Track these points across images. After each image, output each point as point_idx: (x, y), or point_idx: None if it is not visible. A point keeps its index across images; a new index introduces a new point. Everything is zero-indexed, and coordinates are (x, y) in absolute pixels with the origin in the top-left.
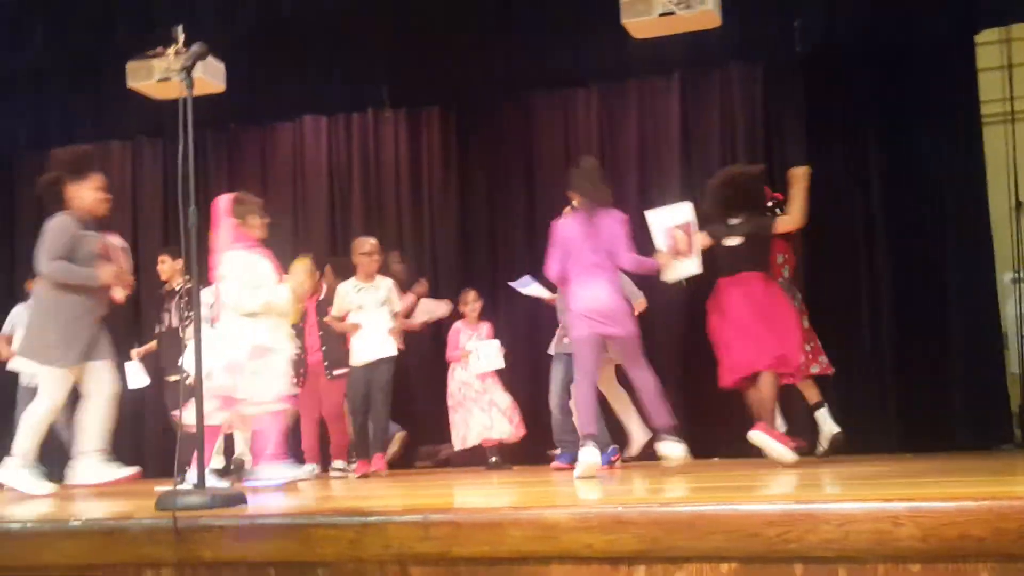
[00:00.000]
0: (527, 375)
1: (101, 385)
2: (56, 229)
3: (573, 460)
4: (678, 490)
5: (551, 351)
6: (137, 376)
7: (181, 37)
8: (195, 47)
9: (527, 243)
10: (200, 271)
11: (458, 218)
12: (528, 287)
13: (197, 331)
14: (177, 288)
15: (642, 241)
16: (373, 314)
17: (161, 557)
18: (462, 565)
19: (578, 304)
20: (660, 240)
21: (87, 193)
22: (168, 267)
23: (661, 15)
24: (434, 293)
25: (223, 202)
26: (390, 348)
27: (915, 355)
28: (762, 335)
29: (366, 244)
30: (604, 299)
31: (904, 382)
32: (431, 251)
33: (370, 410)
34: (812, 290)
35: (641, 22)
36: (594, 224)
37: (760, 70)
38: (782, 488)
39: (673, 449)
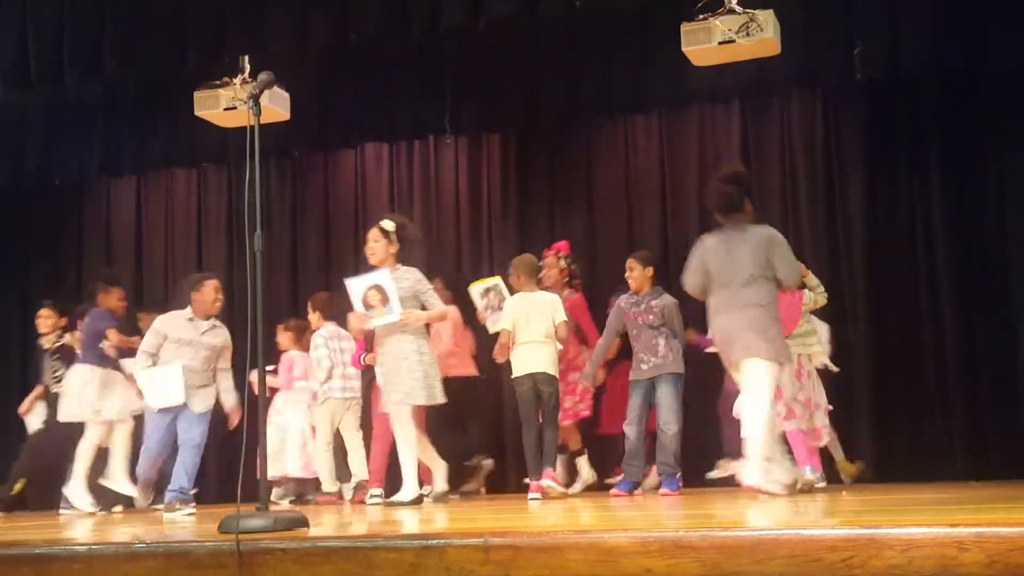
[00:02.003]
0: None
1: None
2: None
3: (632, 488)
4: (739, 514)
5: (632, 376)
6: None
7: (247, 67)
8: (262, 76)
9: (588, 269)
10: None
11: (517, 244)
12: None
13: (255, 349)
14: (49, 346)
15: None
16: (539, 326)
17: None
18: None
19: None
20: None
21: None
22: (51, 322)
23: (721, 43)
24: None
25: None
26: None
27: (980, 380)
28: None
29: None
30: None
31: (969, 408)
32: (489, 274)
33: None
34: (875, 316)
35: (701, 50)
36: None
37: (820, 97)
38: (845, 513)
39: None
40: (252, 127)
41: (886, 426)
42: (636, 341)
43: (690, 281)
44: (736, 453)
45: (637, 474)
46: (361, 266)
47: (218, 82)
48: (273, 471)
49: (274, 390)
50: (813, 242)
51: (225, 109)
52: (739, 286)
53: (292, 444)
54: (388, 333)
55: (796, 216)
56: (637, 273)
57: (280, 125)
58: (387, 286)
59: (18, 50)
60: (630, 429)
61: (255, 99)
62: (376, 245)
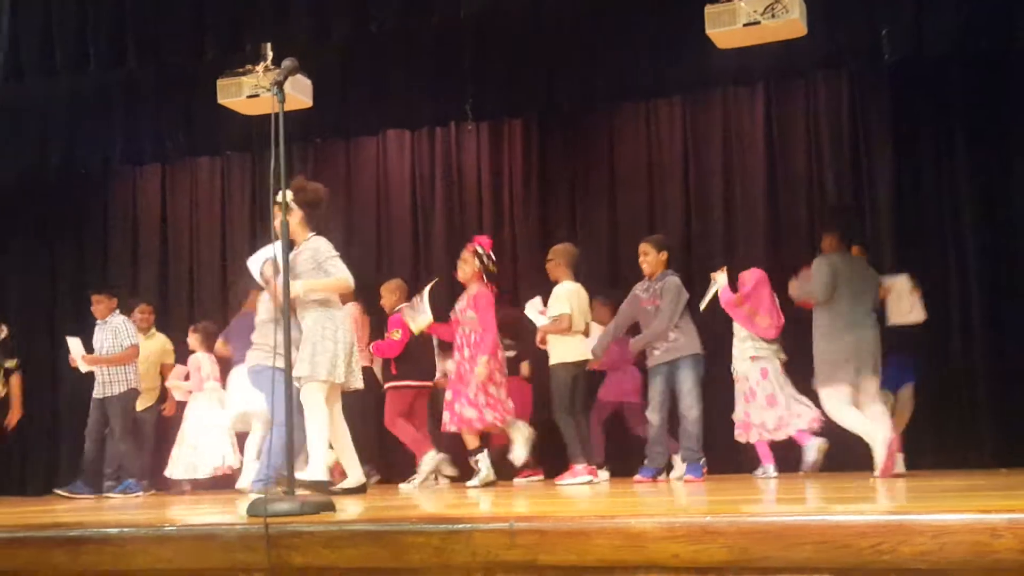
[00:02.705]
0: None
1: None
2: None
3: (655, 474)
4: (768, 500)
5: (649, 364)
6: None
7: (270, 54)
8: (286, 62)
9: (610, 255)
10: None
11: (540, 230)
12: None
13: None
14: None
15: None
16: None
17: (253, 563)
18: (548, 573)
19: None
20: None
21: None
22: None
23: (746, 25)
24: (514, 303)
25: None
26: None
27: (1009, 366)
28: None
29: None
30: None
31: (997, 395)
32: (512, 262)
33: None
34: None
35: (726, 32)
36: None
37: (846, 79)
38: (875, 499)
39: None
40: (276, 114)
41: (914, 414)
42: (647, 328)
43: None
44: None
45: (660, 460)
46: (382, 253)
47: (241, 70)
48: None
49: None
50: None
51: (248, 96)
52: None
53: (207, 444)
54: (299, 307)
55: (823, 199)
56: (651, 258)
57: (302, 112)
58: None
59: (42, 38)
60: (652, 416)
61: (279, 85)
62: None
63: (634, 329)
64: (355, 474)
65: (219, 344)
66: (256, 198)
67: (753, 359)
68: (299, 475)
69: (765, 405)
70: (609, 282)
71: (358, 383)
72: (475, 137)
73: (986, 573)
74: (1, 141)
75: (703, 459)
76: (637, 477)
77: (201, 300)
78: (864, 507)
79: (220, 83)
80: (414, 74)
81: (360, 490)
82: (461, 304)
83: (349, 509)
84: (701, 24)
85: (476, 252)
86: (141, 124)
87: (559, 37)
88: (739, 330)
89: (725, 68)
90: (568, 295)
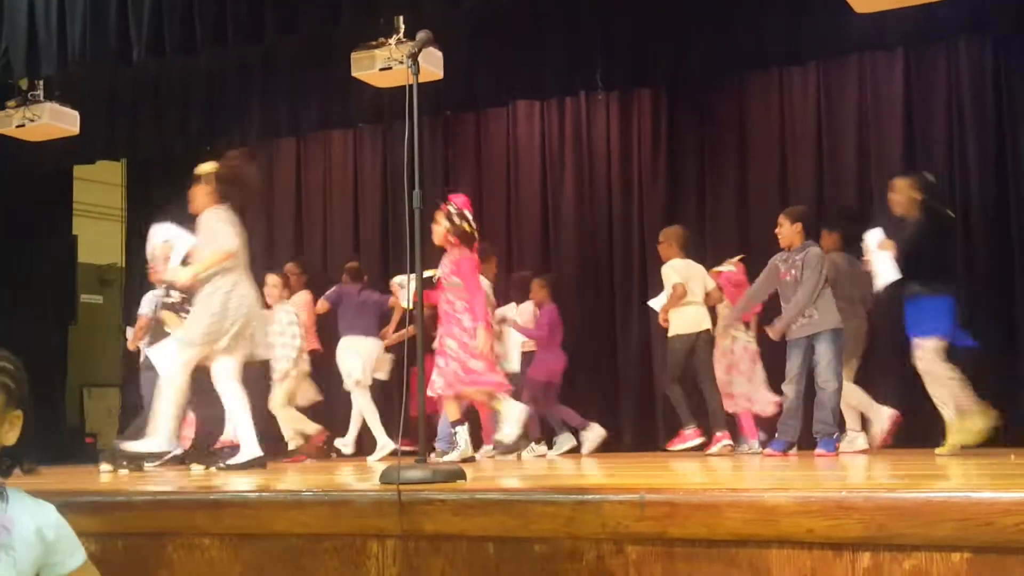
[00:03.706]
0: None
1: None
2: None
3: (787, 448)
4: (905, 476)
5: (788, 337)
6: None
7: (403, 27)
8: (421, 34)
9: (739, 225)
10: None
11: (667, 203)
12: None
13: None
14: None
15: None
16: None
17: (386, 528)
18: (678, 546)
19: None
20: None
21: None
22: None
23: None
24: (642, 274)
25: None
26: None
27: None
28: None
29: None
30: None
31: None
32: (639, 233)
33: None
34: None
35: None
36: None
37: (990, 43)
38: (1019, 477)
39: None
40: (411, 86)
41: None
42: (786, 302)
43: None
44: None
45: (793, 434)
46: (511, 225)
47: (374, 43)
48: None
49: None
50: (981, 195)
51: (381, 69)
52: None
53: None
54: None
55: (963, 168)
56: (785, 229)
57: (432, 84)
58: (173, 238)
59: (183, 13)
60: (789, 388)
61: (414, 58)
62: (194, 191)
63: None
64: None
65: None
66: (387, 171)
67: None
68: (231, 460)
69: (745, 380)
70: (738, 251)
71: (263, 355)
72: (604, 107)
73: None
74: (144, 117)
75: (838, 434)
76: (768, 451)
77: (334, 274)
78: (1007, 484)
79: (354, 56)
80: (543, 44)
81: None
82: (444, 269)
83: (480, 479)
84: None
85: (448, 213)
86: (277, 99)
87: (688, 3)
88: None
89: (862, 33)
90: (675, 269)
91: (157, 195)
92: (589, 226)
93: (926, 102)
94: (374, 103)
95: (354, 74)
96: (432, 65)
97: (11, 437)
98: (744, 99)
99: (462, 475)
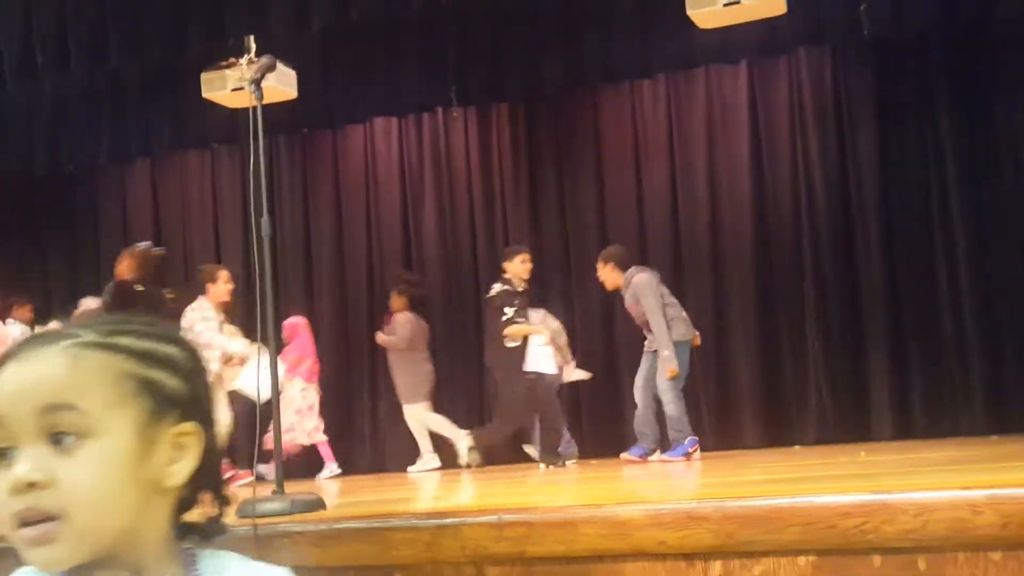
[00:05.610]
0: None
1: None
2: None
3: (645, 454)
4: (752, 483)
5: (647, 347)
6: None
7: (253, 47)
8: (263, 60)
9: (598, 234)
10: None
11: (530, 212)
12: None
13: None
14: None
15: None
16: None
17: None
18: (537, 565)
19: None
20: None
21: None
22: None
23: (726, 5)
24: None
25: None
26: None
27: (999, 332)
28: None
29: None
30: None
31: (988, 361)
32: (504, 244)
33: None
34: (890, 271)
35: (706, 12)
36: None
37: (828, 55)
38: (859, 478)
39: None
40: (254, 109)
41: (905, 382)
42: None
43: None
44: None
45: (649, 442)
46: (372, 241)
47: (224, 63)
48: None
49: None
50: (826, 200)
51: (233, 90)
52: None
53: None
54: None
55: (808, 175)
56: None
57: (288, 103)
58: None
59: (23, 43)
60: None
61: (256, 83)
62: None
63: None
64: None
65: None
66: (246, 191)
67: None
68: None
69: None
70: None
71: None
72: (462, 123)
73: (968, 549)
74: None
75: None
76: (624, 456)
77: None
78: (847, 486)
79: (204, 77)
80: (399, 61)
81: None
82: None
83: (340, 506)
84: (683, 5)
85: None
86: (128, 121)
87: (541, 20)
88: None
89: (707, 47)
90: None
91: (9, 219)
92: (454, 240)
93: (770, 112)
94: (229, 122)
95: (205, 95)
96: (285, 85)
97: (183, 469)
98: (599, 111)
99: (321, 504)
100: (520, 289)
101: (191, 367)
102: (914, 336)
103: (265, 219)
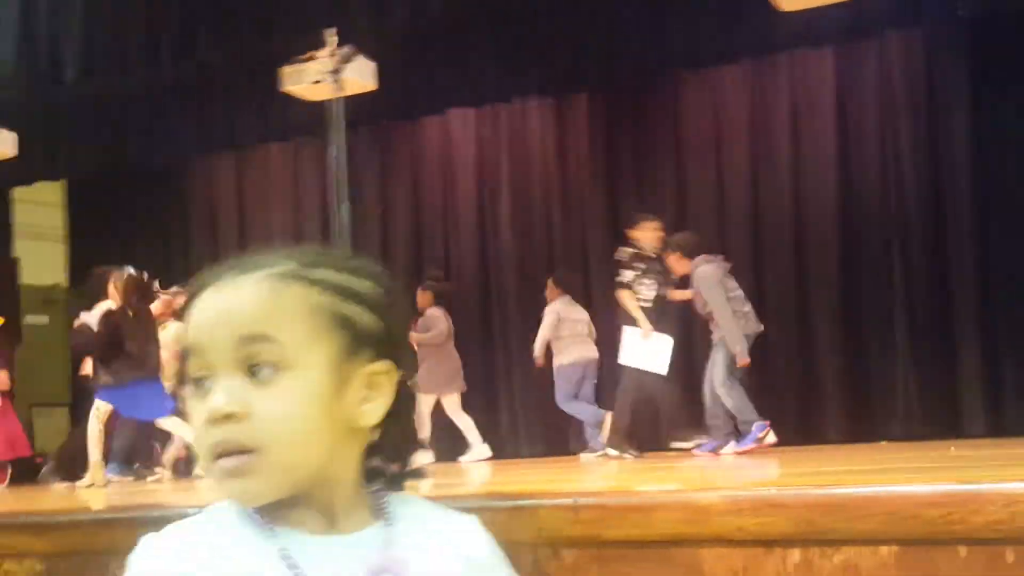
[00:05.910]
0: None
1: None
2: None
3: (716, 448)
4: (834, 473)
5: (714, 340)
6: None
7: (334, 39)
8: (343, 51)
9: (676, 227)
10: None
11: (607, 204)
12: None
13: None
14: None
15: None
16: None
17: None
18: (612, 548)
19: None
20: None
21: None
22: None
23: None
24: (584, 277)
25: None
26: None
27: None
28: None
29: None
30: None
31: None
32: (580, 237)
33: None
34: (983, 257)
35: None
36: None
37: (920, 38)
38: (946, 469)
39: None
40: (335, 101)
41: (998, 376)
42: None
43: None
44: None
45: (719, 435)
46: (449, 231)
47: (305, 56)
48: None
49: None
50: (917, 187)
51: (313, 83)
52: None
53: None
54: None
55: (897, 163)
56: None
57: (368, 94)
58: None
59: (114, 35)
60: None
61: (336, 74)
62: None
63: None
64: None
65: None
66: (327, 183)
67: None
68: None
69: None
70: None
71: None
72: (540, 113)
73: None
74: (83, 135)
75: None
76: (696, 451)
77: None
78: (932, 477)
79: (285, 70)
80: (476, 51)
81: None
82: None
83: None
84: None
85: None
86: (214, 114)
87: (619, 7)
88: None
89: (791, 32)
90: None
91: (98, 214)
92: (529, 233)
93: (857, 98)
94: (311, 114)
95: (285, 88)
96: (365, 76)
97: (376, 409)
98: (679, 100)
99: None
100: (652, 256)
101: (386, 304)
102: (1007, 329)
103: (345, 206)
